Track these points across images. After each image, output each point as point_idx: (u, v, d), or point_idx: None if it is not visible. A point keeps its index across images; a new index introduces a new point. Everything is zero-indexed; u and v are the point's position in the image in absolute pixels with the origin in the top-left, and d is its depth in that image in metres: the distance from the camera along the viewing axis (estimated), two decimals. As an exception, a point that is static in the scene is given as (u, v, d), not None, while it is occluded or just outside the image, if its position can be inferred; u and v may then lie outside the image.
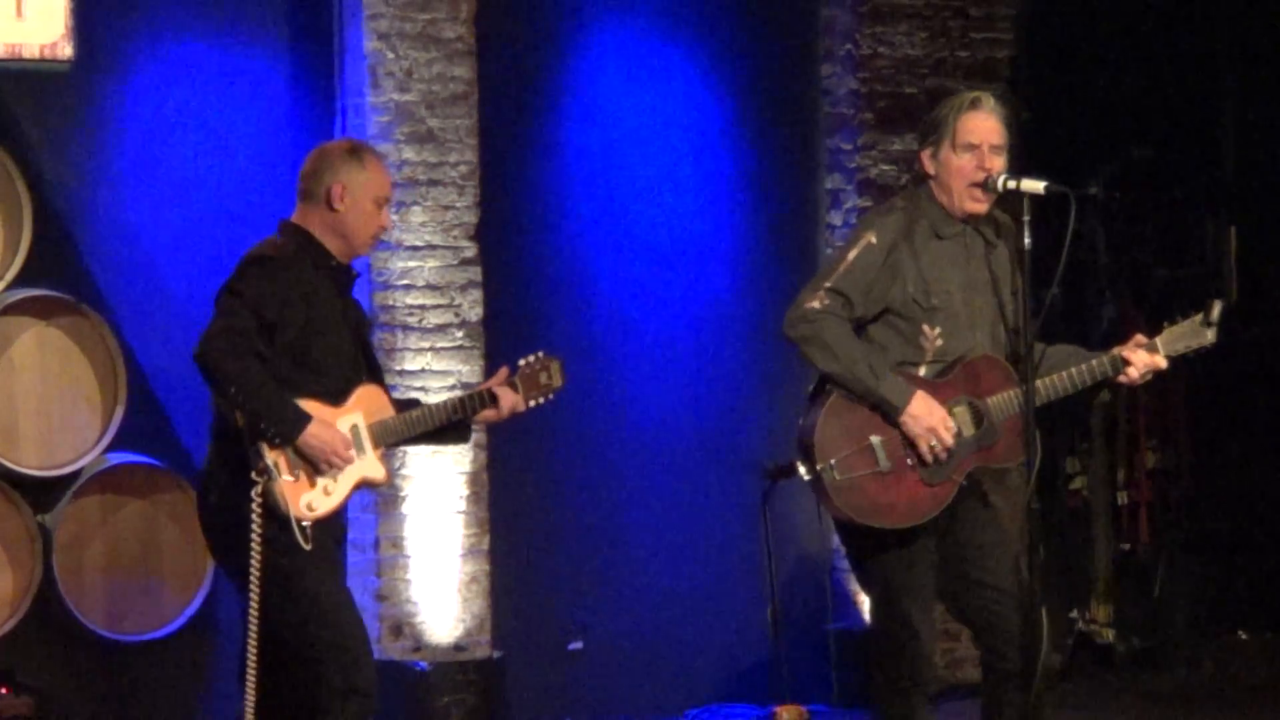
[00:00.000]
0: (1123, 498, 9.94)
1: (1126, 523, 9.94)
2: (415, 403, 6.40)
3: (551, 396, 6.36)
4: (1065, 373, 6.11)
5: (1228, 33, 10.04)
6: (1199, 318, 6.19)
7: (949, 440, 5.95)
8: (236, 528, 5.87)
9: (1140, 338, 6.20)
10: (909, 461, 6.00)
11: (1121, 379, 6.17)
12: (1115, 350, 6.17)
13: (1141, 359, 6.14)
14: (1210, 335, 6.20)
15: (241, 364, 5.80)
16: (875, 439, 5.98)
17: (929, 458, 5.95)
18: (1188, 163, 10.05)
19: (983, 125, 6.08)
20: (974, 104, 6.11)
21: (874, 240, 6.05)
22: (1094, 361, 6.15)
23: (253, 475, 5.83)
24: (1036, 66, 9.62)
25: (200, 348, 5.85)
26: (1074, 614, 9.75)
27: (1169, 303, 10.04)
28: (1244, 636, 9.61)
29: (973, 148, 6.05)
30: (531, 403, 6.33)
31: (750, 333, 9.13)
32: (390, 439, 6.14)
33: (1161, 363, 6.17)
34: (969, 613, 6.16)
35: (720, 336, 9.20)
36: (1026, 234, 5.96)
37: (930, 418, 5.94)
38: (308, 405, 5.90)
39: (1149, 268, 10.05)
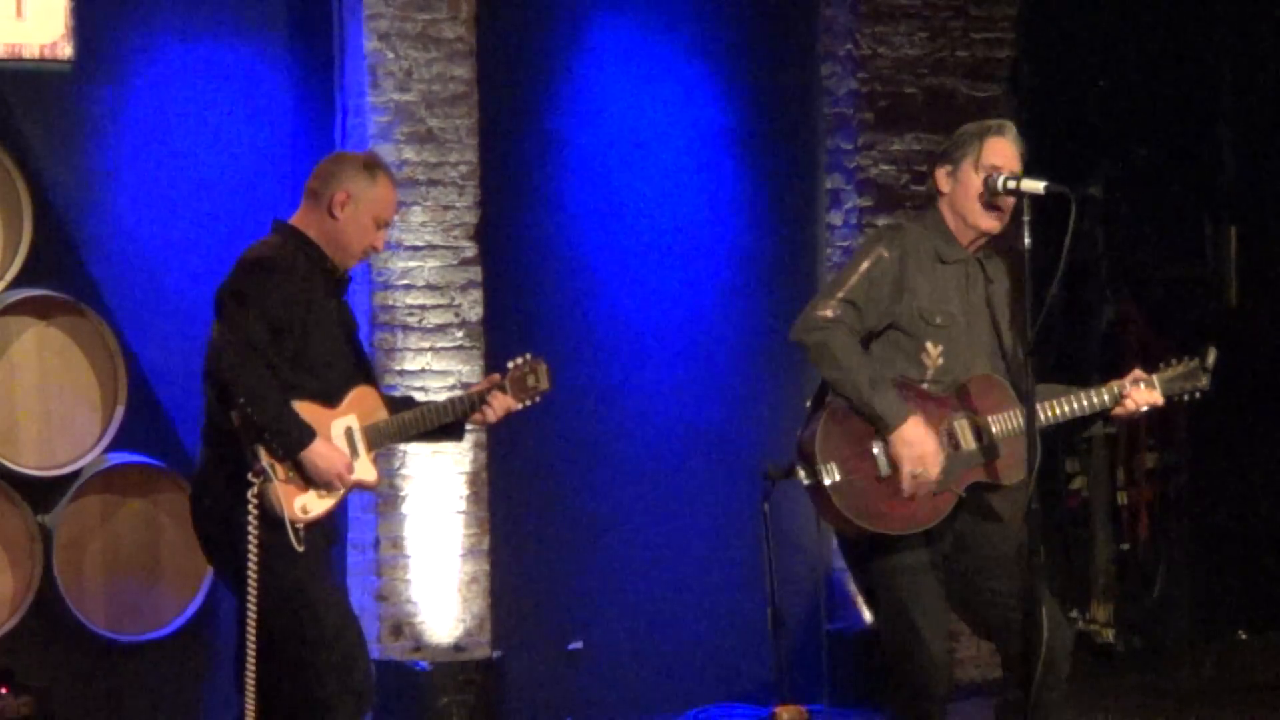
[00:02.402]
0: (1123, 498, 9.95)
1: (1126, 523, 9.95)
2: (407, 401, 6.41)
3: (539, 399, 6.38)
4: (1065, 398, 6.16)
5: (1227, 33, 10.03)
6: (1196, 363, 6.31)
7: (933, 475, 5.96)
8: (230, 531, 5.88)
9: (1138, 373, 6.28)
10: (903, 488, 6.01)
11: (1118, 411, 6.24)
12: (1114, 384, 6.23)
13: (1140, 395, 6.22)
14: (1205, 380, 6.31)
15: (255, 376, 5.80)
16: (877, 445, 5.99)
17: (908, 488, 5.95)
18: (1188, 163, 10.05)
19: (1008, 151, 6.14)
20: (1000, 130, 6.17)
21: (885, 254, 6.09)
22: (1093, 392, 6.20)
23: (249, 476, 5.83)
24: (1036, 66, 9.62)
25: (214, 360, 5.85)
26: (1074, 614, 9.75)
27: (1169, 303, 10.06)
28: (1244, 636, 9.62)
29: (996, 170, 6.09)
30: (519, 405, 6.34)
31: (750, 333, 9.13)
32: (383, 442, 6.16)
33: (1159, 400, 6.25)
34: (989, 625, 6.16)
35: (720, 336, 9.20)
36: (1026, 234, 5.98)
37: (921, 446, 5.94)
38: (304, 407, 5.91)
39: (1149, 268, 10.06)
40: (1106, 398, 6.19)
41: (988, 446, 6.04)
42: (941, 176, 6.17)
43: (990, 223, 6.12)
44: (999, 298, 6.21)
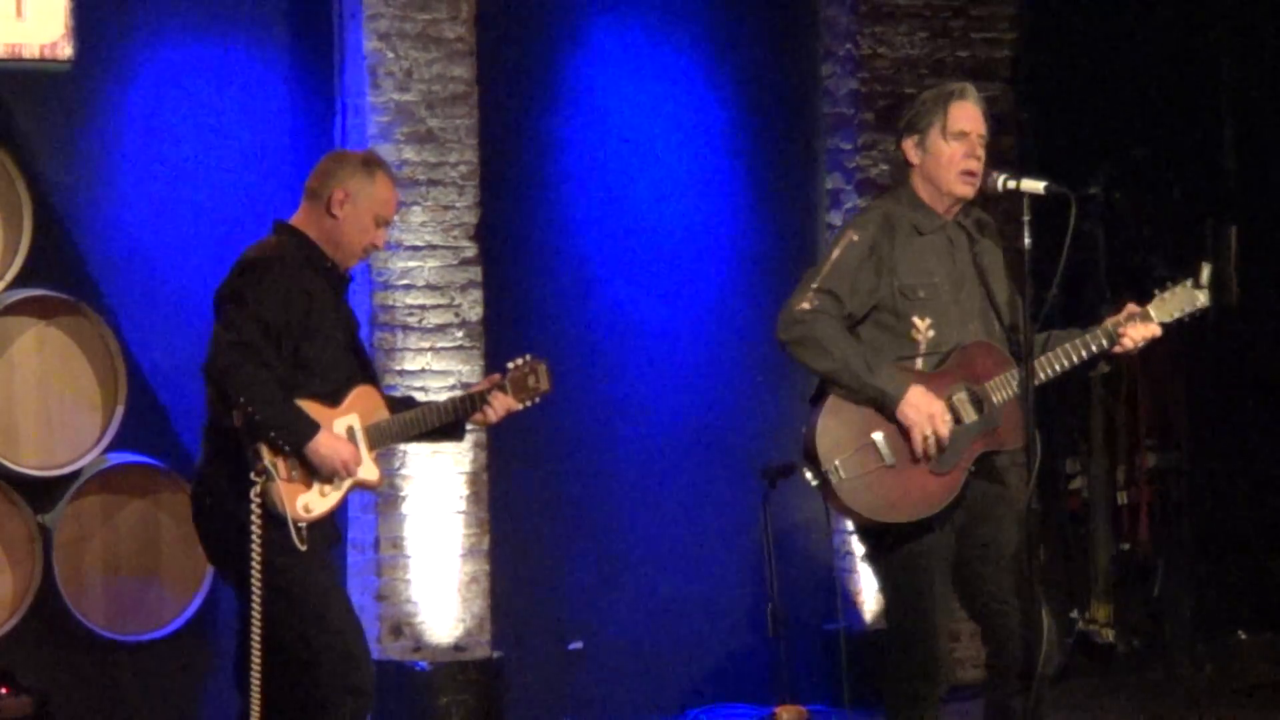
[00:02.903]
0: (1123, 498, 9.93)
1: (1127, 523, 9.94)
2: (408, 401, 6.42)
3: (539, 399, 6.38)
4: (1061, 350, 6.13)
5: (1228, 33, 10.03)
6: (1189, 282, 6.23)
7: (944, 432, 5.95)
8: (233, 530, 5.88)
9: (1133, 307, 6.23)
10: (916, 453, 6.00)
11: (1117, 349, 6.19)
12: (1108, 322, 6.19)
13: (1136, 330, 6.16)
14: (1203, 297, 6.24)
15: (252, 375, 5.80)
16: (877, 435, 5.98)
17: (921, 450, 5.94)
18: (1188, 163, 10.04)
19: (973, 114, 6.14)
20: (962, 94, 6.17)
21: (856, 237, 6.09)
22: (1088, 336, 6.16)
23: (252, 476, 5.83)
24: (1036, 66, 9.62)
25: (210, 361, 5.85)
26: (1074, 614, 9.74)
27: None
28: (1244, 636, 9.60)
29: (964, 135, 6.10)
30: (520, 405, 6.35)
31: (750, 333, 9.13)
32: (385, 442, 6.16)
33: (1156, 331, 6.19)
34: (977, 609, 6.15)
35: (720, 336, 9.20)
36: (1027, 234, 5.97)
37: (926, 409, 5.94)
38: (306, 407, 5.91)
39: (1149, 268, 10.04)
40: (1104, 340, 6.16)
41: (988, 415, 6.03)
42: (909, 148, 6.16)
43: (964, 188, 6.11)
44: (987, 255, 6.19)
